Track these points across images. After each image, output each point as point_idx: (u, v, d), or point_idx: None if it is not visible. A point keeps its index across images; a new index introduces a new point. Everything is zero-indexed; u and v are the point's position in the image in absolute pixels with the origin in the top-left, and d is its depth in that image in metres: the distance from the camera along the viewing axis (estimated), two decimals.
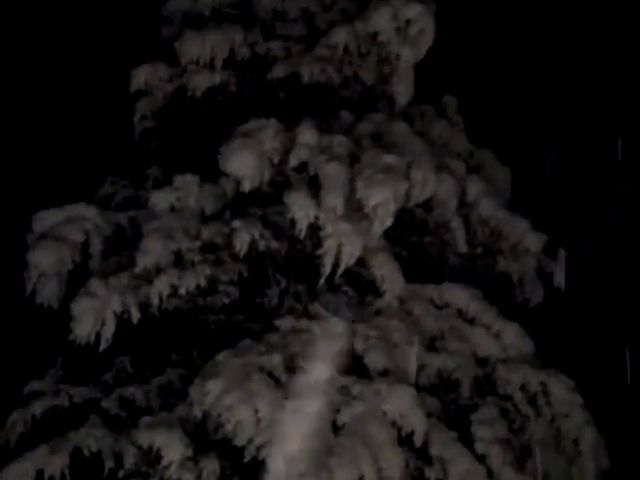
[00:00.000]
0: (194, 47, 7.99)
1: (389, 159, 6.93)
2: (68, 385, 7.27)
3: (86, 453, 6.72)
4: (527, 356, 7.13)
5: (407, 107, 7.95)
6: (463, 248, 7.57)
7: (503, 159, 8.32)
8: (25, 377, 7.39)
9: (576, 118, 10.14)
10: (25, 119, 9.76)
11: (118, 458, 6.77)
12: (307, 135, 7.16)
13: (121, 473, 6.76)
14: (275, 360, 6.59)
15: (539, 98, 10.13)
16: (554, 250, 7.71)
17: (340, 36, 7.82)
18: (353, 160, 7.02)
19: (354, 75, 8.07)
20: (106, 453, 6.76)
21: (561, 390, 6.95)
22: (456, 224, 7.51)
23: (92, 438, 6.76)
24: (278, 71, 7.97)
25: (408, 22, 7.63)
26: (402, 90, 7.84)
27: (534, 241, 7.68)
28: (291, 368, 6.61)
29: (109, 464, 6.76)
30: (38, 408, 7.12)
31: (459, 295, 7.27)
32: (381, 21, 7.65)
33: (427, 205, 7.46)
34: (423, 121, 8.12)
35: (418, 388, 6.72)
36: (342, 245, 6.82)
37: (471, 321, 7.22)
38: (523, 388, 7.00)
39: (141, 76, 8.17)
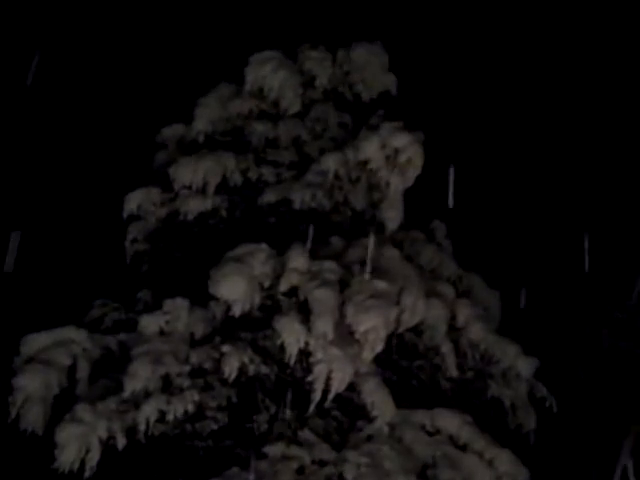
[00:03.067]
0: (187, 173, 8.17)
1: (379, 285, 7.00)
2: None
3: None
4: None
5: (397, 232, 8.06)
6: (454, 372, 7.54)
7: (492, 283, 8.40)
8: None
9: (563, 242, 10.29)
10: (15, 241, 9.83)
11: None
12: (297, 260, 7.23)
13: None
14: None
15: (526, 222, 10.32)
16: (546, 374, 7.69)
17: (330, 163, 8.01)
18: (343, 285, 7.08)
19: (344, 201, 8.21)
20: None
21: None
22: (446, 348, 7.51)
23: None
24: (269, 196, 8.12)
25: (397, 151, 7.81)
26: (392, 216, 7.98)
27: (525, 366, 7.68)
28: None
29: None
30: None
31: (450, 421, 7.18)
32: (371, 149, 7.85)
33: (417, 329, 7.47)
34: (413, 246, 8.21)
35: None
36: (332, 371, 6.81)
37: (463, 448, 7.12)
38: None
39: (134, 201, 8.31)
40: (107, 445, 6.64)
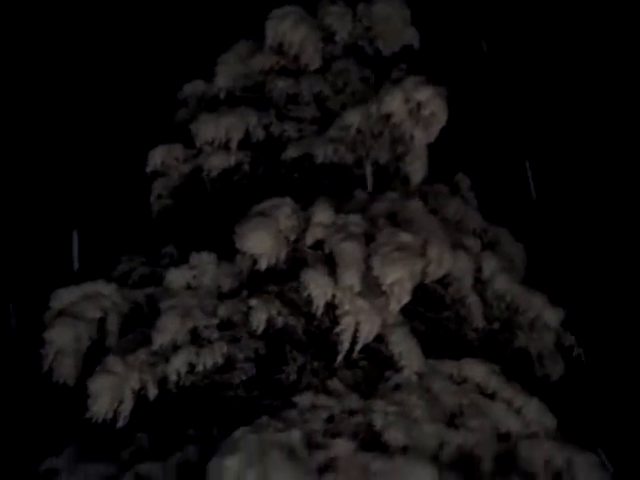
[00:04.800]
0: (209, 129, 8.16)
1: (404, 237, 7.00)
2: (85, 462, 7.18)
3: None
4: (550, 432, 7.04)
5: (421, 186, 8.06)
6: (480, 323, 7.58)
7: (517, 235, 8.41)
8: (42, 455, 7.30)
9: (590, 189, 10.26)
10: (45, 198, 9.90)
11: None
12: (322, 214, 7.24)
13: None
14: (294, 436, 6.49)
15: (551, 170, 10.28)
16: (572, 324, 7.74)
17: (353, 117, 7.99)
18: (368, 238, 7.08)
19: (367, 155, 8.20)
20: None
21: (586, 466, 6.84)
22: (472, 300, 7.53)
23: None
24: (292, 152, 8.11)
25: (420, 105, 7.78)
26: (416, 169, 7.96)
27: (552, 316, 7.71)
28: (310, 445, 6.51)
29: None
30: None
31: (478, 370, 7.22)
32: (394, 103, 7.80)
33: (443, 281, 7.49)
34: (437, 199, 8.21)
35: (439, 464, 6.61)
36: (360, 323, 6.84)
37: (491, 396, 7.16)
38: (547, 464, 6.91)
39: (158, 157, 8.33)
40: (139, 395, 6.72)
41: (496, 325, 7.82)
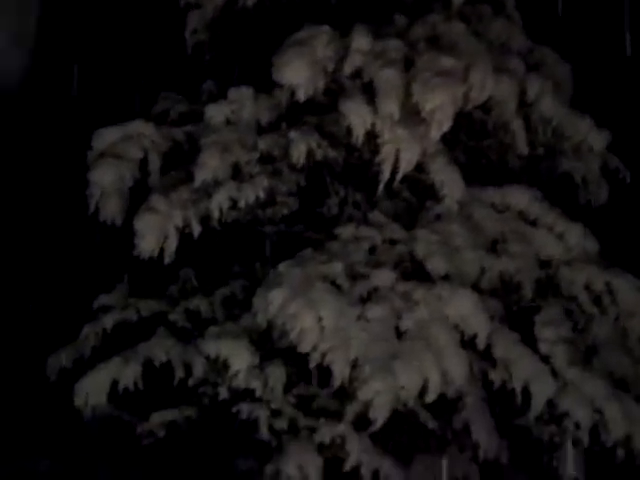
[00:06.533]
0: None
1: (445, 62, 6.78)
2: (136, 299, 7.46)
3: (156, 363, 6.93)
4: (591, 256, 7.02)
5: (463, 7, 7.70)
6: (524, 149, 7.40)
7: (564, 55, 8.06)
8: (94, 292, 7.60)
9: None
10: (81, 41, 9.79)
11: (187, 368, 6.96)
12: (361, 41, 7.01)
13: (190, 382, 6.97)
14: (337, 268, 6.60)
15: None
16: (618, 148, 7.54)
17: None
18: (408, 64, 6.88)
19: None
20: (176, 363, 6.93)
21: (627, 289, 6.84)
22: (516, 125, 7.32)
23: (162, 349, 6.95)
24: None
25: None
26: None
27: (598, 139, 7.51)
28: (353, 275, 6.63)
29: (179, 374, 6.95)
30: (108, 321, 7.31)
31: (520, 197, 7.15)
32: None
33: (485, 107, 7.29)
34: (481, 21, 7.86)
35: (480, 291, 6.68)
36: (400, 151, 6.75)
37: (533, 223, 7.11)
38: (587, 288, 6.91)
39: None
40: (183, 232, 6.86)
41: (540, 151, 7.66)
